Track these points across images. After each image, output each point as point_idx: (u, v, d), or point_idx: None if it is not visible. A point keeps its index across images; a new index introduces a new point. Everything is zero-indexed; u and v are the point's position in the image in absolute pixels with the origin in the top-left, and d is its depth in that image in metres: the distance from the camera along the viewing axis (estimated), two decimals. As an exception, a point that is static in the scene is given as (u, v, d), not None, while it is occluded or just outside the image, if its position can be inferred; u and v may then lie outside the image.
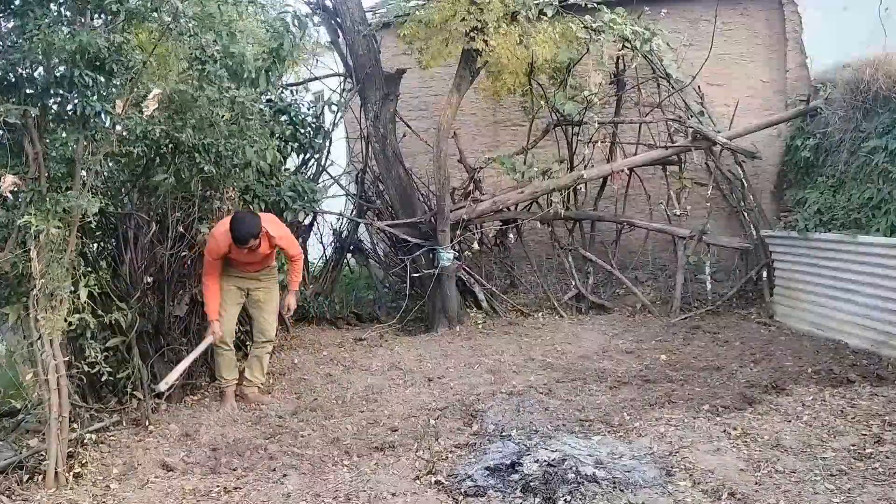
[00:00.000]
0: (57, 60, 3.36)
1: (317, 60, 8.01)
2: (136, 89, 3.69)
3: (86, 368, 4.06)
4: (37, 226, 3.29)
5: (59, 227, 3.39)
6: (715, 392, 4.59)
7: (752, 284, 7.26)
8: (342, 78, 7.66)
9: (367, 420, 4.49)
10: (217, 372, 4.97)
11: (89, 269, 4.01)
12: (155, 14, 3.71)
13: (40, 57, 3.31)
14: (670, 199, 7.56)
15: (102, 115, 3.50)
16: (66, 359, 3.63)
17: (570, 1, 6.66)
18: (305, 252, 7.25)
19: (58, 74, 3.42)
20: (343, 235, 7.74)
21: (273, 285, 5.09)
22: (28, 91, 3.47)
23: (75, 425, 3.89)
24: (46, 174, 3.49)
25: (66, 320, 3.55)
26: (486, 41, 5.90)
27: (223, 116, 4.46)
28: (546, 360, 5.66)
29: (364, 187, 7.74)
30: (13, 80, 3.45)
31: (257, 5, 5.11)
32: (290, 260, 5.11)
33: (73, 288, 3.66)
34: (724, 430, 3.79)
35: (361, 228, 7.90)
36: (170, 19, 3.77)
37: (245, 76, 4.61)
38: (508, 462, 3.56)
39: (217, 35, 4.20)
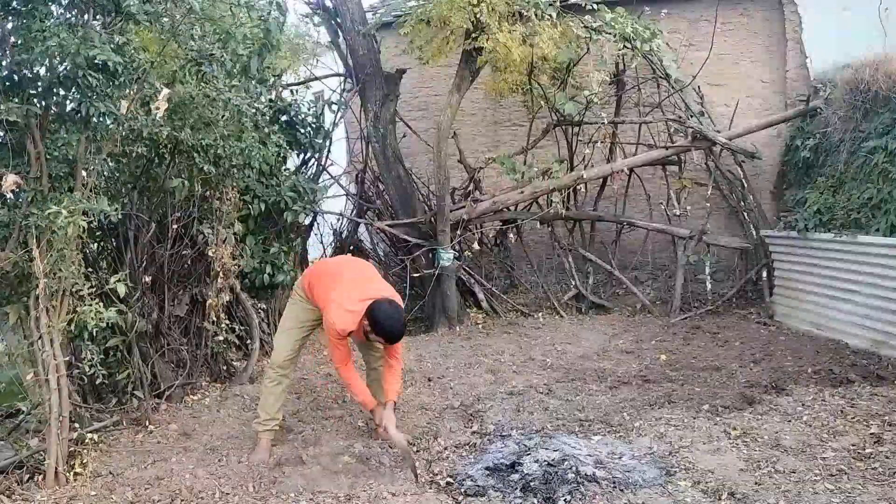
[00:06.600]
0: (60, 61, 3.34)
1: (317, 60, 8.01)
2: (142, 89, 3.68)
3: (88, 370, 4.06)
4: (63, 218, 3.25)
5: (81, 223, 3.36)
6: (715, 392, 4.59)
7: (752, 284, 7.27)
8: (342, 78, 7.65)
9: (366, 420, 4.49)
10: (260, 408, 3.94)
11: (90, 269, 4.01)
12: (161, 17, 3.70)
13: (47, 59, 3.29)
14: (670, 199, 7.58)
15: (105, 116, 3.49)
16: (67, 359, 3.62)
17: (571, 1, 6.65)
18: (305, 251, 7.25)
19: (61, 74, 3.40)
20: (343, 235, 7.75)
21: None
22: (31, 91, 3.46)
23: (76, 425, 3.89)
24: (48, 174, 3.49)
25: (100, 317, 3.55)
26: (488, 40, 5.89)
27: (223, 116, 4.46)
28: (546, 360, 5.66)
29: (364, 187, 7.75)
30: (17, 79, 3.44)
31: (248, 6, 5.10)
32: (393, 358, 3.87)
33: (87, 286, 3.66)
34: (724, 430, 3.79)
35: (361, 228, 7.91)
36: (175, 19, 3.76)
37: (237, 68, 4.59)
38: (508, 462, 3.56)
39: (205, 33, 4.16)
